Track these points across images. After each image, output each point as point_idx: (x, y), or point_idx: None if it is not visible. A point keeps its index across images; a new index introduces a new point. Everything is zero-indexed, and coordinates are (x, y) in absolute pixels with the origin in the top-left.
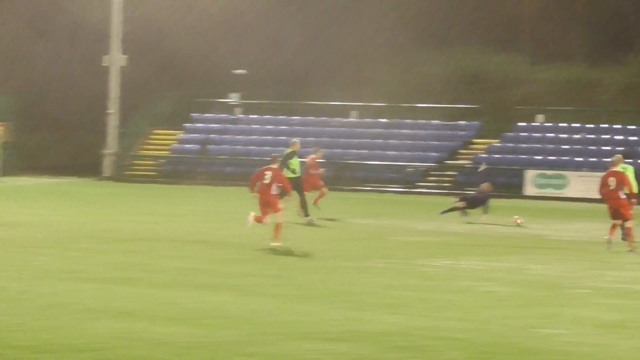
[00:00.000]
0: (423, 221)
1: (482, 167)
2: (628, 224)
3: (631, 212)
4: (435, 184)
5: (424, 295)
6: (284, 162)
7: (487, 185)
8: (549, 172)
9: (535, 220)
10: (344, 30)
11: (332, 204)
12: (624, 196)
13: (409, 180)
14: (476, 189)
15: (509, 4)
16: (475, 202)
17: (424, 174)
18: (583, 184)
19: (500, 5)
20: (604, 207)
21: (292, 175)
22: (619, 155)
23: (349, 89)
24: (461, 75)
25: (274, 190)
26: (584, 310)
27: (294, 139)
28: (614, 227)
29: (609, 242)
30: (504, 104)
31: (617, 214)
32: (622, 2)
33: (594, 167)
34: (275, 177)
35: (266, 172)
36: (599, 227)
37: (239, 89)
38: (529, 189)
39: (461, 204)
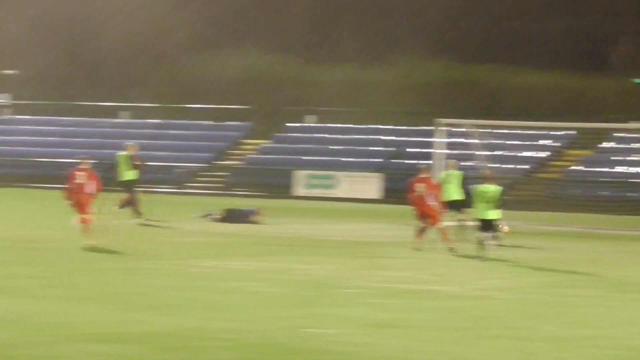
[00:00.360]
0: (192, 222)
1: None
2: (440, 226)
3: (440, 215)
4: (204, 184)
5: (192, 296)
6: (122, 165)
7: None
8: (319, 173)
9: (304, 221)
10: (108, 28)
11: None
12: (433, 203)
13: (178, 181)
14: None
15: (282, 4)
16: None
17: (194, 175)
18: (352, 184)
19: (271, 6)
20: (371, 207)
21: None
22: (453, 161)
23: (117, 89)
24: (232, 76)
25: (88, 189)
26: (350, 310)
27: (129, 142)
28: (421, 230)
29: (418, 248)
30: (275, 105)
31: (426, 216)
32: (393, 3)
33: (363, 168)
34: (90, 177)
35: (78, 173)
36: (367, 227)
37: (9, 89)
38: (299, 190)
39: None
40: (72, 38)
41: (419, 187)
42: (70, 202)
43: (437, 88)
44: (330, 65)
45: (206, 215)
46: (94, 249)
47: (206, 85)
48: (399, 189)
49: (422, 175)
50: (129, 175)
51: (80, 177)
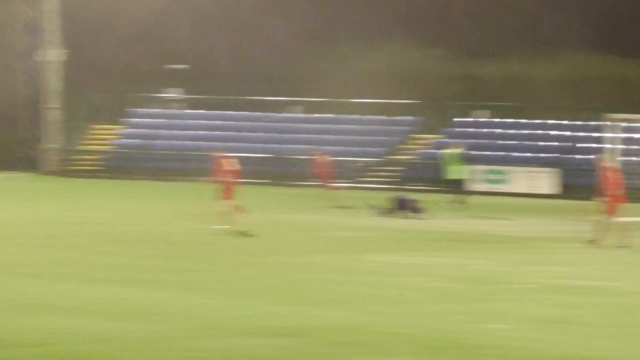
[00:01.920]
0: (366, 217)
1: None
2: (615, 221)
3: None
4: (378, 179)
5: (368, 291)
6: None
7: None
8: (492, 168)
9: (479, 216)
10: (277, 23)
11: (273, 200)
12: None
13: (351, 176)
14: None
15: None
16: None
17: (366, 169)
18: (527, 180)
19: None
20: (546, 202)
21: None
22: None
23: (285, 83)
24: (395, 70)
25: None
26: (528, 306)
27: (456, 141)
28: (602, 225)
29: (596, 243)
30: (442, 99)
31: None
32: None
33: (534, 163)
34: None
35: (225, 161)
36: (543, 223)
37: (180, 84)
38: (472, 184)
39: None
40: (241, 32)
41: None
42: (217, 188)
43: (605, 83)
44: (494, 60)
45: (375, 211)
46: (253, 243)
47: (374, 80)
48: (574, 184)
49: (608, 170)
50: (457, 173)
51: (227, 165)
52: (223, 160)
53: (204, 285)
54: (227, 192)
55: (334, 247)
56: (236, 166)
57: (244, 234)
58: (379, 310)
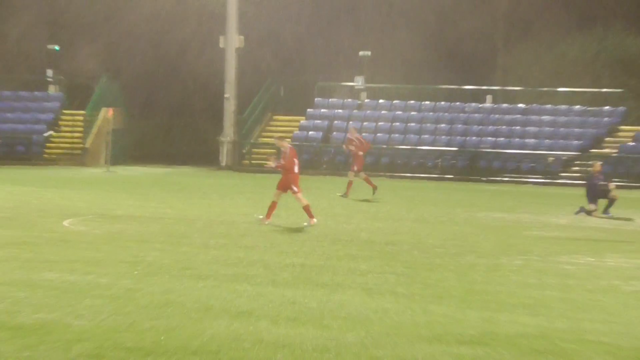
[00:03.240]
0: (564, 215)
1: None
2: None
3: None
4: (578, 175)
5: (565, 295)
6: None
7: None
8: None
9: None
10: (473, 9)
11: (464, 196)
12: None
13: (549, 171)
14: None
15: None
16: (594, 194)
17: (566, 164)
18: None
19: None
20: None
21: None
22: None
23: (480, 72)
24: (604, 57)
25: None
26: None
27: None
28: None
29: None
30: None
31: None
32: None
33: None
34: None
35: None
36: None
37: (363, 71)
38: None
39: (592, 207)
40: (428, 19)
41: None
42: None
43: None
44: None
45: (579, 212)
46: (437, 243)
47: (573, 68)
48: None
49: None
50: None
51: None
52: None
53: (383, 288)
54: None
55: (523, 247)
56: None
57: (428, 233)
58: (572, 316)
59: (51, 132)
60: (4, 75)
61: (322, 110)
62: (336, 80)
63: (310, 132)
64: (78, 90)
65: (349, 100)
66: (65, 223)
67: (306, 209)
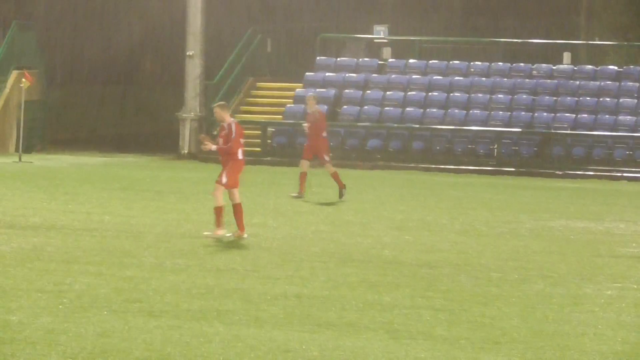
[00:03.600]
0: None
1: None
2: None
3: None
4: None
5: None
6: None
7: None
8: None
9: None
10: None
11: (531, 197)
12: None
13: None
14: None
15: None
16: None
17: None
18: None
19: None
20: None
21: None
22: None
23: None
24: None
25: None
26: None
27: None
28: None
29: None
30: None
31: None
32: None
33: None
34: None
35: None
36: None
37: (386, 18)
38: None
39: None
40: None
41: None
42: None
43: None
44: None
45: None
46: (514, 265)
47: None
48: None
49: None
50: None
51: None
52: None
53: (414, 330)
54: None
55: (616, 271)
56: None
57: (479, 251)
58: None
59: None
60: None
61: (327, 74)
62: (347, 30)
63: (301, 106)
64: None
65: (366, 59)
66: None
67: (237, 209)
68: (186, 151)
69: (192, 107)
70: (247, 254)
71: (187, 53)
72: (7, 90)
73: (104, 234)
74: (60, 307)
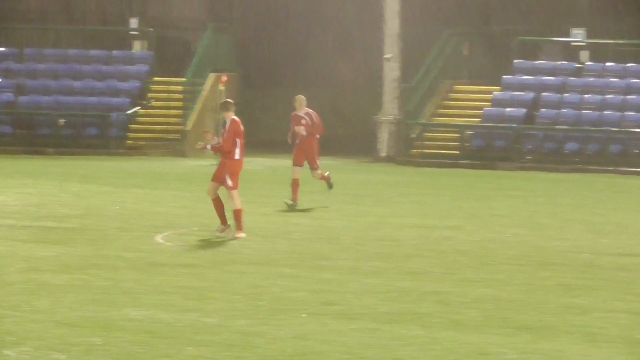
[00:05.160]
0: None
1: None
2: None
3: None
4: None
5: None
6: None
7: None
8: None
9: None
10: None
11: None
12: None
13: None
14: None
15: None
16: None
17: None
18: None
19: None
20: None
21: None
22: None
23: None
24: None
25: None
26: None
27: None
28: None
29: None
30: None
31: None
32: None
33: None
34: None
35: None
36: None
37: (584, 21)
38: None
39: None
40: None
41: None
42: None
43: None
44: None
45: None
46: None
47: None
48: None
49: None
50: None
51: None
52: None
53: (612, 333)
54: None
55: None
56: None
57: None
58: None
59: (137, 109)
60: (67, 26)
61: (524, 77)
62: (544, 33)
63: (507, 109)
64: (174, 47)
65: (563, 62)
66: (158, 238)
67: (237, 215)
68: (383, 154)
69: (389, 110)
70: (444, 256)
71: (385, 56)
72: (204, 92)
73: (301, 237)
74: (258, 309)
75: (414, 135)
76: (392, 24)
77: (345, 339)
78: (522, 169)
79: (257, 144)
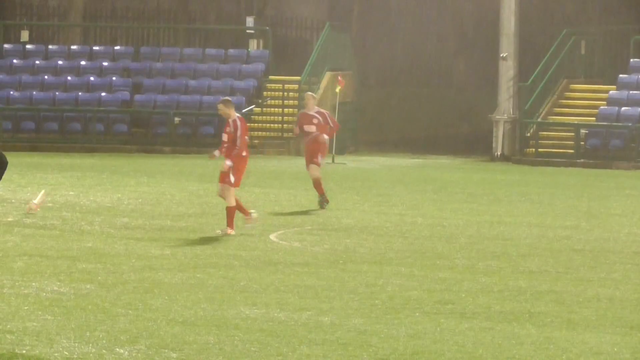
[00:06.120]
0: None
1: None
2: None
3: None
4: None
5: None
6: None
7: None
8: None
9: None
10: None
11: None
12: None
13: None
14: None
15: None
16: None
17: None
18: None
19: None
20: None
21: None
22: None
23: None
24: None
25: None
26: None
27: None
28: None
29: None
30: None
31: None
32: None
33: None
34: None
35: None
36: None
37: None
38: None
39: None
40: None
41: None
42: None
43: None
44: None
45: None
46: None
47: None
48: None
49: None
50: None
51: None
52: None
53: None
54: None
55: None
56: None
57: None
58: None
59: (253, 107)
60: (183, 24)
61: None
62: None
63: (623, 108)
64: (290, 46)
65: None
66: (272, 237)
67: (230, 211)
68: (500, 153)
69: (505, 109)
70: (559, 256)
71: (501, 55)
72: (320, 91)
73: (417, 236)
74: (372, 308)
75: (529, 134)
76: (508, 22)
77: (459, 337)
78: (638, 168)
79: (373, 143)
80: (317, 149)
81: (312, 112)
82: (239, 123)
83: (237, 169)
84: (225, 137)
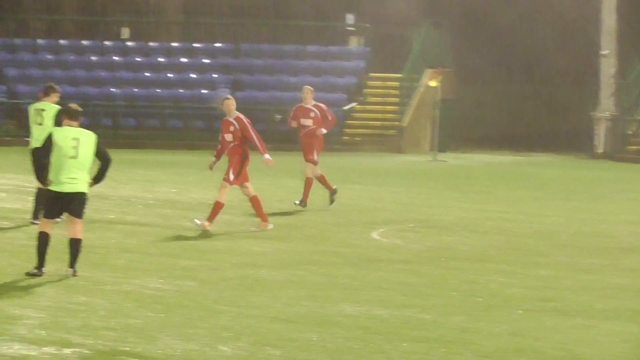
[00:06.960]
0: None
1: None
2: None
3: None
4: None
5: None
6: None
7: None
8: None
9: None
10: None
11: None
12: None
13: None
14: None
15: None
16: None
17: None
18: None
19: None
20: None
21: None
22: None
23: None
24: None
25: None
26: None
27: None
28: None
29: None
30: None
31: None
32: None
33: None
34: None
35: None
36: None
37: None
38: None
39: None
40: None
41: None
42: None
43: None
44: None
45: None
46: None
47: None
48: None
49: None
50: None
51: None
52: None
53: None
54: None
55: None
56: None
57: None
58: None
59: (353, 105)
60: (283, 21)
61: None
62: None
63: None
64: (390, 43)
65: None
66: (374, 234)
67: (217, 206)
68: (601, 150)
69: (606, 106)
70: None
71: (601, 52)
72: (421, 89)
73: (517, 233)
74: (474, 305)
75: (630, 132)
76: (609, 20)
77: (560, 335)
78: None
79: (474, 140)
80: (312, 143)
81: (308, 106)
82: (245, 121)
83: (241, 165)
84: (230, 137)
